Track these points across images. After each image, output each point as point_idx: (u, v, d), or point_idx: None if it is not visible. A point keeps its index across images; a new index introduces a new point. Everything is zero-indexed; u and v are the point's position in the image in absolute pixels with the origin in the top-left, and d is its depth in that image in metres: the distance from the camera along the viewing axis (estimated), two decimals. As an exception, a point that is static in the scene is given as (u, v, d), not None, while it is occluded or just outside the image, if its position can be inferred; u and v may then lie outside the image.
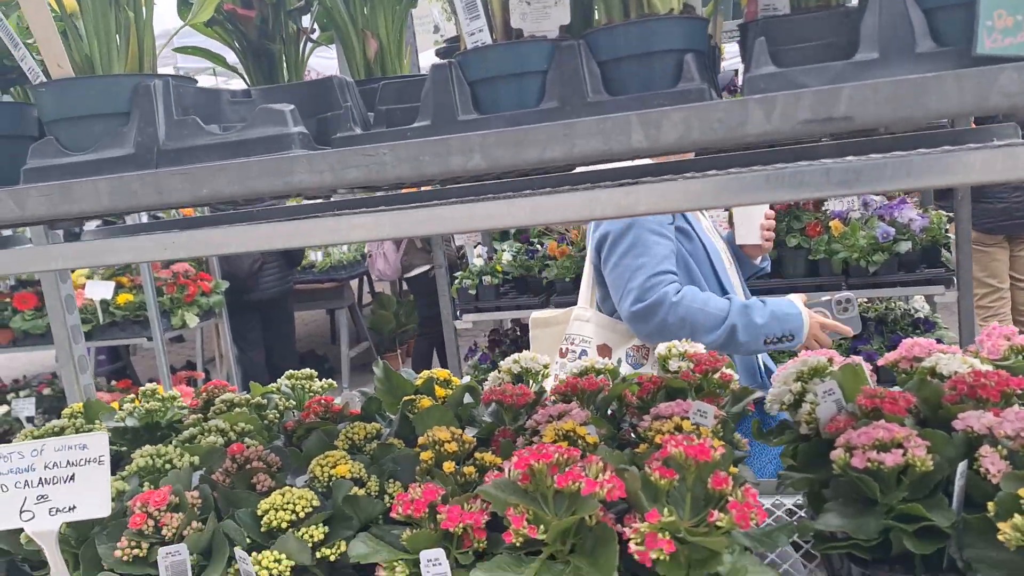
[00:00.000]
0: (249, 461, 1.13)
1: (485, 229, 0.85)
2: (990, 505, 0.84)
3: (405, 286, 6.34)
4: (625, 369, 2.00)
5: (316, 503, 1.00)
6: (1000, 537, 0.79)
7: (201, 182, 0.83)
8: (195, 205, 0.84)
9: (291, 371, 1.56)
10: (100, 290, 4.44)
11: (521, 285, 3.57)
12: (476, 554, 0.93)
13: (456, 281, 3.54)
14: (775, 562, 1.12)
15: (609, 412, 1.32)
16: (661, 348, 1.42)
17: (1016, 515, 0.79)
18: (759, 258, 2.26)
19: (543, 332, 2.27)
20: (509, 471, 0.94)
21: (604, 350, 2.09)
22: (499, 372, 1.43)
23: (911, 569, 0.90)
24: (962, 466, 0.90)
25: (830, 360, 1.23)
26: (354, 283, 7.36)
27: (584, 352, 2.10)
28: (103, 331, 4.43)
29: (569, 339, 2.14)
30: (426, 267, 5.26)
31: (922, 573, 0.89)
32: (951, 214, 3.02)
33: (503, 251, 3.76)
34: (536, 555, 0.91)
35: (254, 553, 0.94)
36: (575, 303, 3.46)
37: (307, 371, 1.55)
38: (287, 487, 1.01)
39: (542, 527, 0.87)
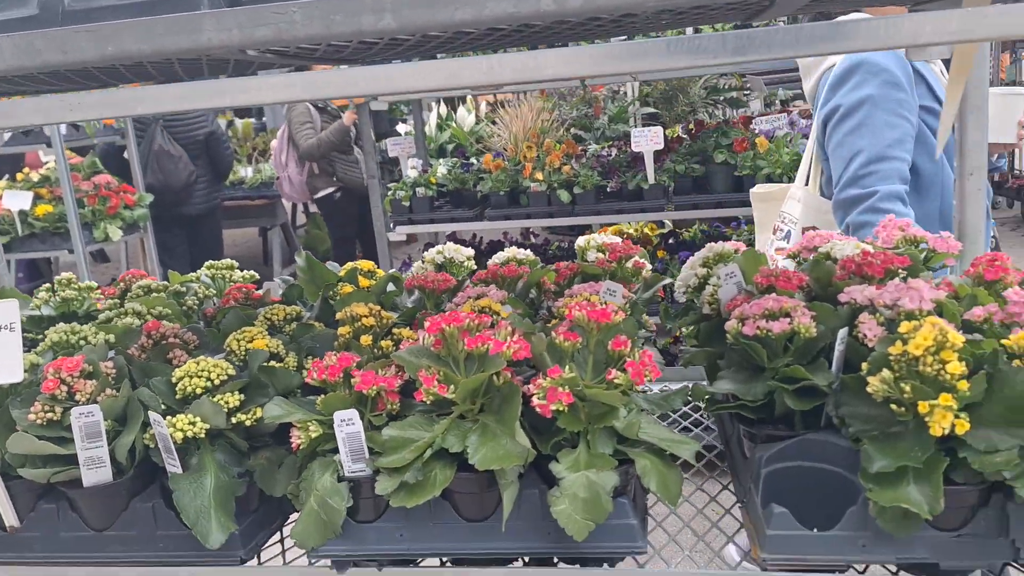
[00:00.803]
0: (165, 337, 1.14)
1: (395, 92, 0.85)
2: (864, 365, 0.91)
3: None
4: None
5: (232, 372, 1.02)
6: (869, 390, 0.86)
7: (106, 40, 0.82)
8: (101, 64, 0.83)
9: (211, 261, 1.55)
10: (18, 200, 4.28)
11: (456, 199, 3.57)
12: (390, 416, 0.97)
13: (389, 192, 3.52)
14: (675, 422, 1.19)
15: (529, 299, 1.36)
16: (580, 241, 1.46)
17: (884, 370, 0.86)
18: (995, 156, 2.07)
19: (762, 206, 2.14)
20: (423, 338, 0.97)
21: None
22: (423, 262, 1.45)
23: (792, 426, 0.98)
24: (842, 332, 0.96)
25: (736, 250, 1.29)
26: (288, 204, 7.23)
27: (788, 234, 1.95)
28: (22, 243, 4.29)
29: (781, 217, 2.02)
30: (330, 189, 5.21)
31: (801, 429, 0.97)
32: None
33: (438, 164, 3.74)
34: (448, 416, 0.95)
35: (169, 416, 0.96)
36: (510, 217, 3.51)
37: (228, 261, 1.55)
38: (203, 357, 1.03)
39: (452, 387, 0.91)
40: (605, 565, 0.95)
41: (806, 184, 1.98)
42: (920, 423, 0.83)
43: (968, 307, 0.97)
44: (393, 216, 3.49)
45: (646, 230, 4.14)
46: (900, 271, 1.07)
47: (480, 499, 0.95)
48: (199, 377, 0.99)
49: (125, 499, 1.01)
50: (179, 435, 0.95)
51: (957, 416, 0.79)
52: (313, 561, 0.99)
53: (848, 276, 1.08)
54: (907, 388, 0.82)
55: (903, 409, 0.84)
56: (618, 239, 1.41)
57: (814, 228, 1.82)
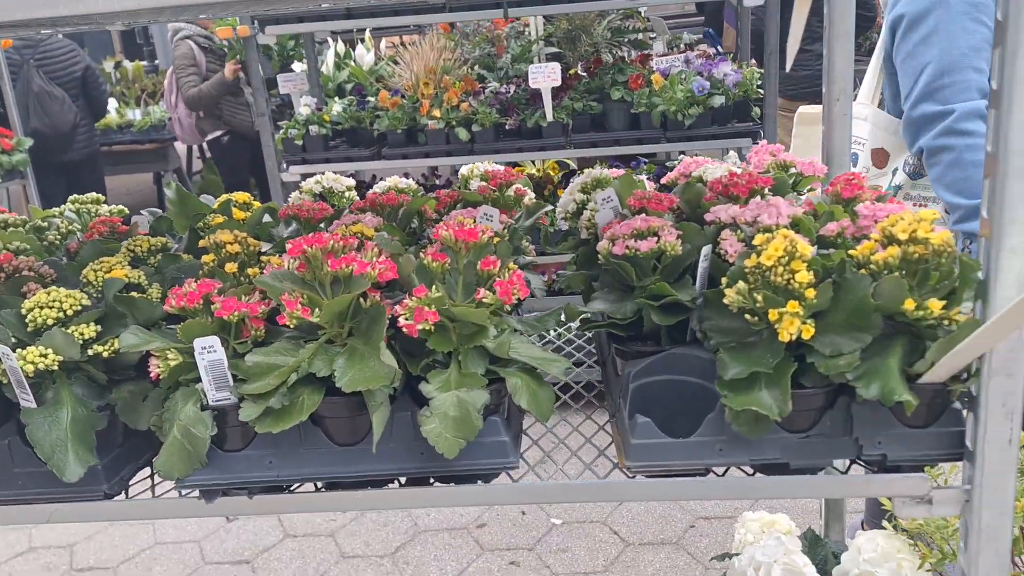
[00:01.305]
0: (19, 271, 1.08)
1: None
2: (723, 280, 0.93)
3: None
4: (900, 179, 1.70)
5: (86, 302, 0.97)
6: (726, 301, 0.89)
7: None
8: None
9: (75, 195, 1.47)
10: None
11: (352, 137, 3.48)
12: (256, 344, 0.95)
13: (281, 131, 3.40)
14: (559, 348, 1.20)
15: (411, 229, 1.34)
16: (463, 169, 1.45)
17: (740, 282, 0.88)
18: None
19: (809, 131, 1.91)
20: (288, 263, 0.95)
21: (880, 155, 1.73)
22: (300, 192, 1.41)
23: (659, 342, 1.00)
24: (706, 249, 0.99)
25: (614, 177, 1.30)
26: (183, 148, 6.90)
27: (856, 156, 1.76)
28: None
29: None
30: (218, 132, 5.02)
31: (668, 345, 0.99)
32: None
33: (333, 103, 3.63)
34: (315, 341, 0.93)
35: (19, 349, 0.91)
36: (408, 156, 3.44)
37: (93, 195, 1.47)
38: (55, 288, 0.98)
39: (316, 310, 0.89)
40: (479, 482, 0.97)
41: (872, 101, 1.78)
42: (772, 332, 0.87)
43: (825, 224, 1.01)
44: (286, 156, 3.38)
45: (548, 170, 4.14)
46: (765, 191, 1.10)
47: (352, 423, 0.94)
48: (50, 308, 0.94)
49: (-23, 436, 0.96)
50: (29, 367, 0.90)
51: (804, 322, 0.83)
52: (183, 493, 0.97)
53: (716, 197, 1.10)
54: (759, 298, 0.85)
55: (756, 319, 0.87)
56: (500, 167, 1.40)
57: (883, 150, 1.72)
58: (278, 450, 0.94)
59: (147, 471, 1.08)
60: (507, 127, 3.28)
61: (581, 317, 1.07)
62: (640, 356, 0.99)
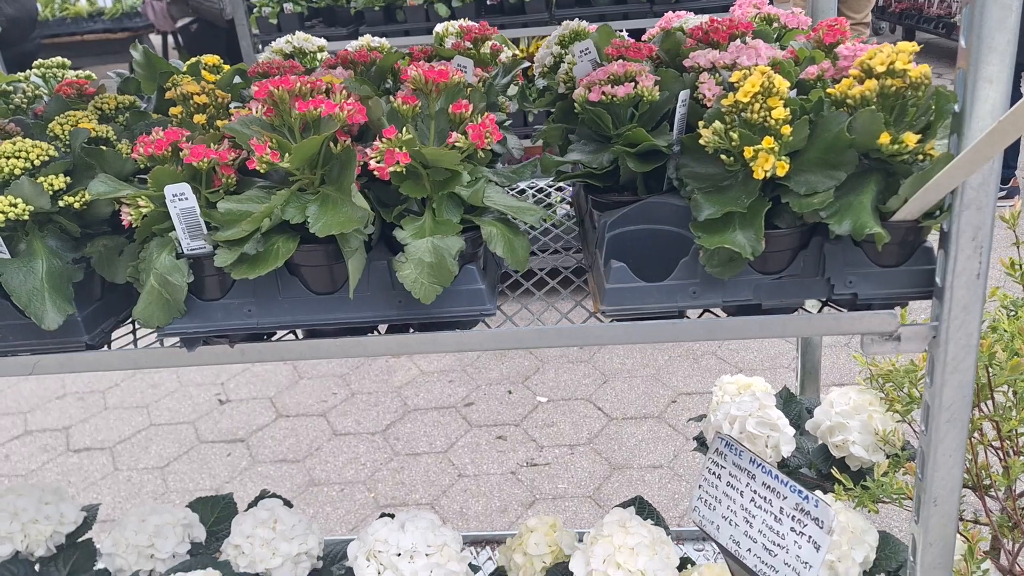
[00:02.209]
0: (-17, 128, 1.05)
1: None
2: (700, 123, 0.92)
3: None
4: None
5: (54, 153, 0.95)
6: (702, 142, 0.88)
7: None
8: None
9: (40, 60, 1.42)
10: None
11: (328, 16, 3.37)
12: (227, 193, 0.94)
13: (255, 10, 3.28)
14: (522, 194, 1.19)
15: (385, 88, 1.31)
16: (438, 27, 1.40)
17: (716, 122, 0.87)
18: None
19: None
20: (255, 108, 0.92)
21: None
22: (271, 51, 1.37)
23: (635, 192, 1.00)
24: (683, 94, 0.97)
25: (592, 31, 1.26)
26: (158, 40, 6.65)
27: None
28: None
29: None
30: (187, 20, 4.83)
31: (644, 194, 0.99)
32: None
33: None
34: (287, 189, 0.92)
35: (-13, 201, 0.90)
36: (386, 34, 3.34)
37: (59, 59, 1.42)
38: (20, 138, 0.96)
39: (286, 154, 0.88)
40: (457, 330, 0.98)
41: None
42: (747, 174, 0.86)
43: (805, 68, 0.99)
44: (260, 35, 3.27)
45: (532, 51, 4.04)
46: (747, 36, 1.08)
47: (328, 271, 0.94)
48: (16, 158, 0.93)
49: (-47, 291, 0.96)
50: (0, 217, 0.89)
51: (779, 159, 0.82)
52: (164, 343, 0.98)
53: (696, 44, 1.08)
54: (735, 136, 0.84)
55: (732, 160, 0.87)
56: (475, 24, 1.36)
57: None
58: (256, 299, 0.95)
59: (129, 327, 1.09)
60: (488, 2, 3.17)
61: (557, 169, 1.06)
62: (617, 206, 0.99)
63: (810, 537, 0.93)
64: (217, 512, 1.44)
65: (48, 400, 3.53)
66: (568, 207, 1.38)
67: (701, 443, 1.51)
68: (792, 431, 1.38)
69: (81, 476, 2.95)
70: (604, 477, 2.67)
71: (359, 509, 2.63)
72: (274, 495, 1.36)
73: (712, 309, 0.95)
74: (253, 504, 1.34)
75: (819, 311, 0.95)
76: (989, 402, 1.15)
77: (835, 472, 1.18)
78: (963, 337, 0.87)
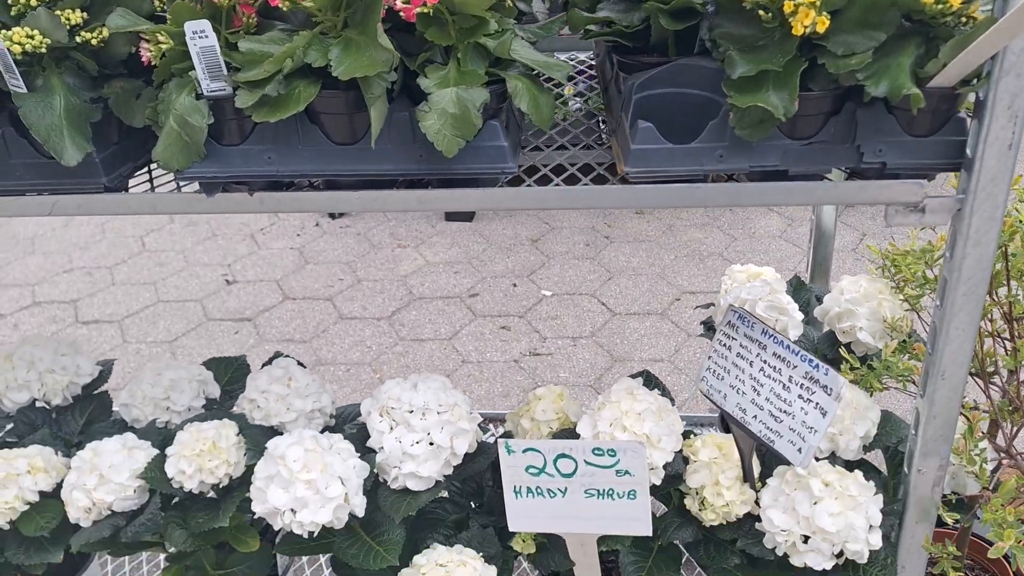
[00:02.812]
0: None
1: None
2: (739, -21, 0.88)
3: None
4: None
5: (69, -15, 0.92)
6: (745, 4, 0.85)
7: None
8: None
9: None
10: None
11: None
12: (248, 34, 0.92)
13: None
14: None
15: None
16: None
17: (757, -22, 0.84)
18: None
19: None
20: (279, -54, 0.89)
21: None
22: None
23: (665, 53, 0.97)
24: (723, -50, 0.93)
25: None
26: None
27: None
28: None
29: None
30: None
31: (674, 55, 0.96)
32: None
33: None
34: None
35: (3, 31, 0.88)
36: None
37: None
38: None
39: (310, -7, 0.85)
40: (478, 188, 0.97)
41: None
42: (784, 33, 0.84)
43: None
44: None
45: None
46: None
47: (349, 120, 0.93)
48: (30, -9, 0.90)
49: (-31, 127, 0.95)
50: (16, 48, 0.87)
51: (820, 14, 0.80)
52: (182, 185, 0.97)
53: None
54: (776, -11, 0.82)
55: (770, 15, 0.84)
56: None
57: None
58: (276, 146, 0.94)
59: (146, 175, 1.08)
60: None
61: (586, 27, 1.03)
62: (645, 68, 0.97)
63: (817, 404, 0.95)
64: (231, 373, 1.47)
65: (55, 273, 3.56)
66: (578, 100, 1.35)
67: (708, 328, 1.52)
68: (800, 316, 1.39)
69: (91, 347, 3.00)
70: (605, 368, 2.72)
71: (364, 388, 2.69)
72: (288, 356, 1.38)
73: (737, 177, 0.94)
74: (267, 364, 1.36)
75: (847, 177, 0.94)
76: (1002, 289, 1.15)
77: (842, 352, 1.20)
78: (988, 209, 0.86)
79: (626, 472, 1.03)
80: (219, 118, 0.92)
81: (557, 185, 1.00)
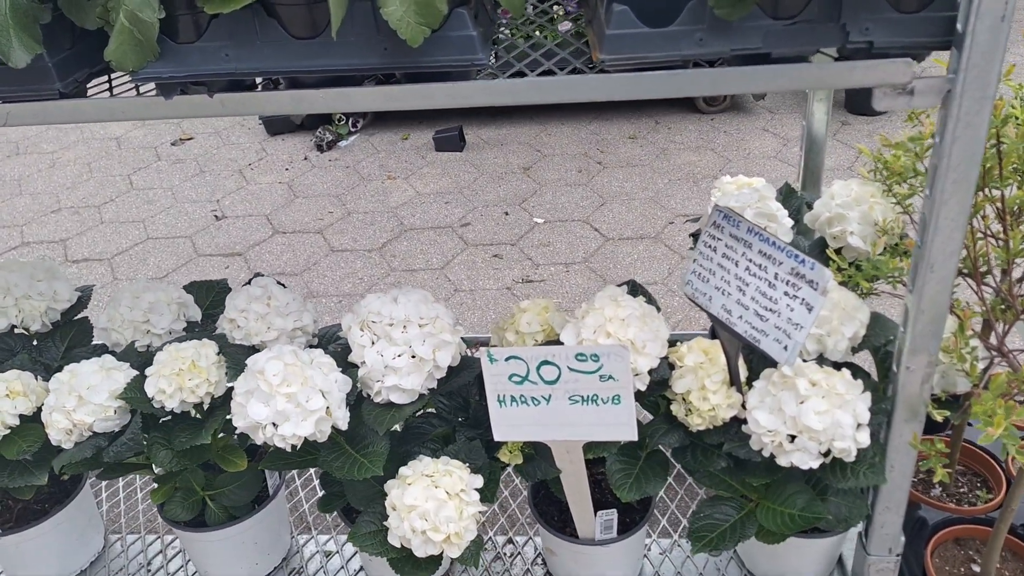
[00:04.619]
0: None
1: None
2: None
3: None
4: None
5: None
6: None
7: None
8: None
9: None
10: None
11: None
12: (198, -78, 0.86)
13: None
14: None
15: None
16: None
17: None
18: None
19: None
20: None
21: None
22: None
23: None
24: None
25: None
26: None
27: None
28: None
29: None
30: None
31: (652, -65, 0.91)
32: None
33: None
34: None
35: (-65, -77, 0.83)
36: None
37: None
38: None
39: None
40: (448, 82, 0.93)
41: None
42: (767, -99, 0.78)
43: None
44: None
45: None
46: None
47: (308, 11, 0.88)
48: None
49: (-90, 31, 0.90)
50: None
51: None
52: (139, 87, 0.93)
53: None
54: None
55: None
56: None
57: None
58: (233, 42, 0.89)
59: (104, 82, 1.04)
60: None
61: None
62: (621, -48, 0.91)
63: (803, 300, 0.93)
64: (212, 296, 1.45)
65: (43, 214, 3.52)
66: (569, 22, 1.29)
67: (696, 239, 1.49)
68: (790, 222, 1.36)
69: (81, 284, 2.98)
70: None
71: (356, 319, 2.67)
72: (267, 276, 1.35)
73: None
74: (247, 284, 1.34)
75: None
76: (993, 188, 1.12)
77: (830, 253, 1.17)
78: (979, 89, 0.82)
79: (610, 377, 1.01)
80: (172, 14, 0.87)
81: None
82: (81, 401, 1.12)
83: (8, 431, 1.17)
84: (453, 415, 1.29)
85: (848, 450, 1.01)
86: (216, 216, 3.38)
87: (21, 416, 1.19)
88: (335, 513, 1.29)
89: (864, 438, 1.03)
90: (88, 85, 1.01)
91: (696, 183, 3.28)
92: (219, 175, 3.73)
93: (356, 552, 1.46)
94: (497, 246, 3.02)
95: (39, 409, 1.20)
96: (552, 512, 1.31)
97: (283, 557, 1.45)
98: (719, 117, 3.80)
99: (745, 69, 0.87)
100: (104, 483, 1.71)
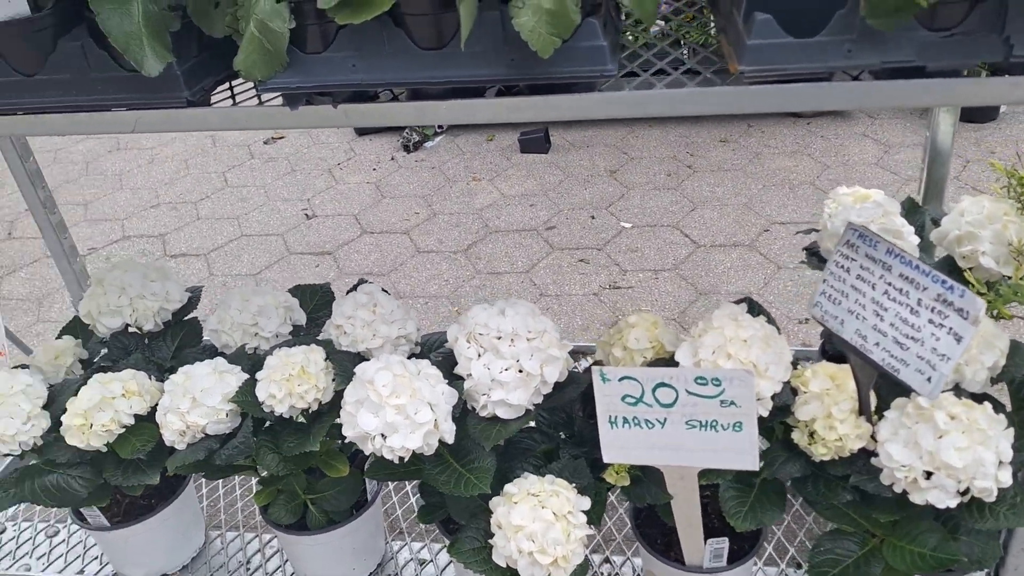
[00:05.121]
0: None
1: None
2: None
3: None
4: None
5: None
6: None
7: None
8: None
9: None
10: None
11: None
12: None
13: None
14: None
15: None
16: None
17: None
18: None
19: None
20: None
21: None
22: None
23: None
24: None
25: None
26: None
27: None
28: None
29: None
30: None
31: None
32: None
33: None
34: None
35: (78, -66, 0.84)
36: None
37: None
38: None
39: None
40: (575, 93, 0.90)
41: None
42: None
43: None
44: None
45: None
46: None
47: (436, 22, 0.86)
48: None
49: (51, 39, 0.92)
50: (91, -46, 0.83)
51: None
52: (264, 98, 0.93)
53: None
54: None
55: None
56: None
57: None
58: (361, 53, 0.88)
59: (227, 91, 1.04)
60: None
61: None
62: (760, -42, 0.87)
63: (951, 329, 0.86)
64: (315, 300, 1.46)
65: (143, 208, 3.64)
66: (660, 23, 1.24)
67: (812, 254, 1.43)
68: (916, 239, 1.29)
69: (179, 279, 3.07)
70: (689, 301, 2.63)
71: (443, 321, 2.68)
72: (371, 283, 1.35)
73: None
74: (352, 290, 1.34)
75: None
76: None
77: (968, 275, 1.10)
78: None
79: (732, 403, 0.96)
80: (300, 23, 0.87)
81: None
82: (195, 403, 1.14)
83: (123, 430, 1.20)
84: (554, 430, 1.27)
85: (989, 490, 0.94)
86: (307, 215, 3.43)
87: (136, 416, 1.21)
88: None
89: (1006, 477, 0.96)
90: (212, 92, 1.01)
91: (792, 189, 3.17)
92: (309, 174, 3.80)
93: (451, 562, 1.45)
94: (583, 250, 2.98)
95: (153, 409, 1.23)
96: (654, 535, 1.27)
97: (378, 563, 1.45)
98: (815, 121, 3.67)
99: (897, 83, 0.81)
100: (204, 479, 1.74)
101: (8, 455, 1.20)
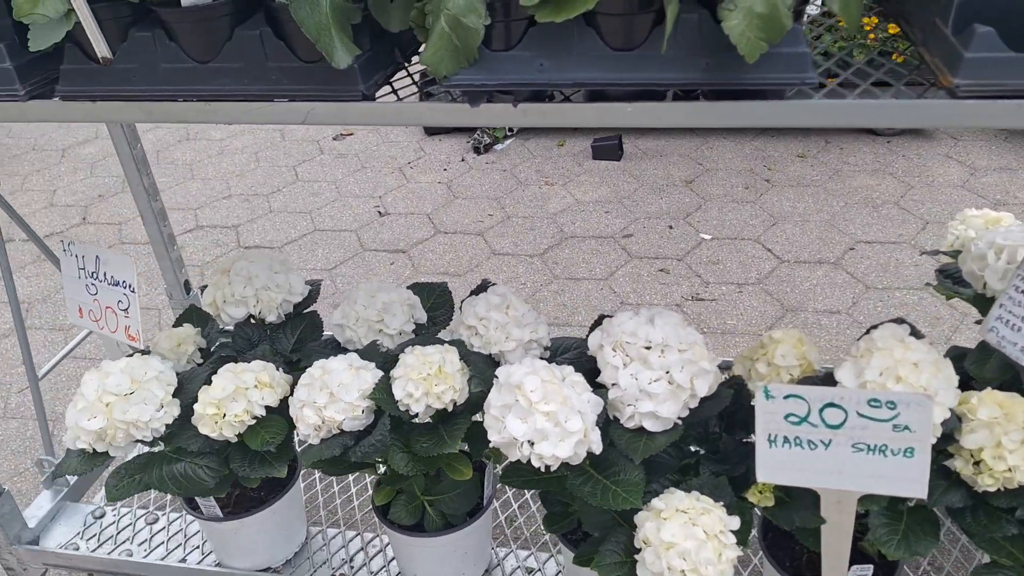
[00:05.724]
0: None
1: None
2: None
3: None
4: None
5: None
6: None
7: None
8: None
9: None
10: None
11: None
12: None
13: None
14: None
15: None
16: None
17: None
18: None
19: None
20: None
21: None
22: None
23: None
24: None
25: None
26: None
27: None
28: None
29: None
30: None
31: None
32: None
33: None
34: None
35: (275, -79, 0.83)
36: None
37: None
38: None
39: None
40: (768, 100, 0.87)
41: None
42: None
43: None
44: None
45: None
46: None
47: (630, 23, 0.84)
48: None
49: (228, 27, 0.92)
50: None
51: None
52: (445, 94, 0.92)
53: None
54: None
55: None
56: None
57: None
58: (550, 52, 0.86)
59: (387, 86, 1.03)
60: None
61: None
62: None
63: None
64: (433, 299, 1.44)
65: (215, 199, 3.67)
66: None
67: (946, 276, 1.38)
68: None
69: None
70: (776, 317, 2.58)
71: (522, 325, 2.65)
72: (497, 284, 1.33)
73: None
74: (476, 291, 1.32)
75: None
76: None
77: None
78: None
79: (906, 427, 0.92)
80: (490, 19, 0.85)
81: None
82: (332, 398, 1.13)
83: (254, 421, 1.19)
84: (688, 445, 1.23)
85: None
86: (379, 212, 3.43)
87: (267, 408, 1.20)
88: (533, 528, 1.26)
89: None
90: (382, 86, 1.00)
91: (876, 209, 3.10)
92: (380, 171, 3.80)
93: (559, 572, 1.42)
94: (663, 260, 2.94)
95: (281, 401, 1.22)
96: (782, 556, 1.24)
97: (485, 569, 1.43)
98: (896, 140, 3.59)
99: None
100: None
101: (140, 441, 1.20)
